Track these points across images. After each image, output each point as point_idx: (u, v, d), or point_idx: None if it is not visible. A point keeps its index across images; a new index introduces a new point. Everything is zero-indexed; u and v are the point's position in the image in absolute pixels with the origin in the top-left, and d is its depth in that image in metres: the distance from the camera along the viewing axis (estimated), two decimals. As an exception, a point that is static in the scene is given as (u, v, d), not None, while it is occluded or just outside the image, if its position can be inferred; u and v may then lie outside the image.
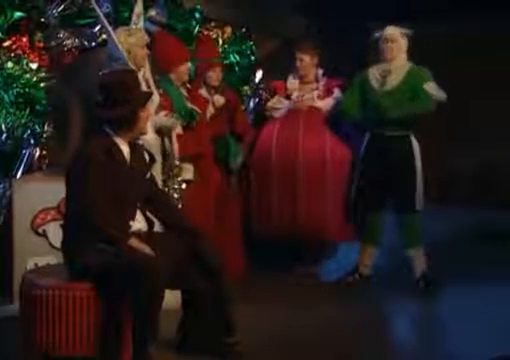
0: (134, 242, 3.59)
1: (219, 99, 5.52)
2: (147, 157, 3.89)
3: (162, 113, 4.88)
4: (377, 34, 5.34)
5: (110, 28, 4.68)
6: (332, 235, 5.61)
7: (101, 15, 4.76)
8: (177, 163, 5.02)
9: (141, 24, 4.93)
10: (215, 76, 5.51)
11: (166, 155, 4.89)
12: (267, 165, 5.64)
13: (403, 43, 5.34)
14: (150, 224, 3.84)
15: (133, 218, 3.73)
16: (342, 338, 4.34)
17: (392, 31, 5.31)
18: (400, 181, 5.28)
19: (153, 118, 4.76)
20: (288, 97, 5.82)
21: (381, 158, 5.29)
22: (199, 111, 5.27)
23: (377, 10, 7.60)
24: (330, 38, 7.50)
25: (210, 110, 5.46)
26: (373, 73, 5.38)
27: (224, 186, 5.51)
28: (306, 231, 5.52)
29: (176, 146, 4.96)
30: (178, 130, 5.05)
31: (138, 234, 3.69)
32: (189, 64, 5.33)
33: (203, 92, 5.53)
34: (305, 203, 5.53)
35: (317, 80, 5.84)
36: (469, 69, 8.50)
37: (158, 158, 4.76)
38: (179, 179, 5.02)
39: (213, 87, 5.53)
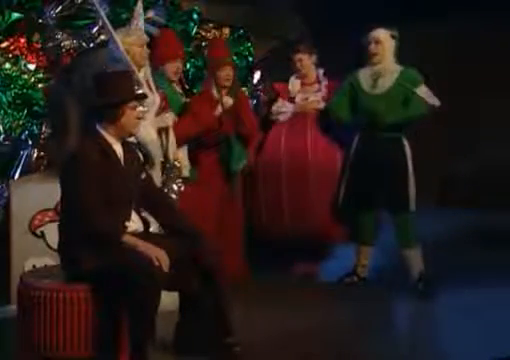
0: (130, 239, 3.58)
1: (228, 100, 5.50)
2: (141, 157, 3.88)
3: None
4: (367, 36, 5.35)
5: (112, 28, 4.67)
6: (338, 236, 5.62)
7: (104, 16, 4.75)
8: (177, 164, 5.03)
9: (141, 25, 4.93)
10: (224, 76, 5.47)
11: (166, 155, 4.90)
12: (277, 168, 5.62)
13: (390, 45, 5.33)
14: (146, 225, 3.84)
15: (128, 219, 3.72)
16: (342, 338, 4.33)
17: (377, 33, 5.31)
18: (393, 182, 5.27)
19: (154, 119, 4.78)
20: (291, 100, 5.82)
21: (372, 159, 5.28)
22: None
23: (378, 11, 7.60)
24: (329, 39, 7.49)
25: (218, 110, 5.44)
26: (364, 75, 5.38)
27: (225, 188, 5.50)
28: (315, 232, 5.52)
29: (174, 145, 4.96)
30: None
31: (134, 235, 3.67)
32: (179, 63, 5.35)
33: (213, 92, 5.51)
34: (315, 204, 5.52)
35: (319, 81, 5.84)
36: (469, 69, 8.49)
37: (158, 159, 4.78)
38: (179, 181, 5.02)
39: (223, 87, 5.50)
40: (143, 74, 4.76)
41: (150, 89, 4.77)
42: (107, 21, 4.72)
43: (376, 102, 5.25)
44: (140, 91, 4.35)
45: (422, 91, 5.24)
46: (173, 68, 5.32)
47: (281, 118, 5.78)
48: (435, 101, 5.26)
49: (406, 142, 5.31)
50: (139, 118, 3.81)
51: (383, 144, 5.26)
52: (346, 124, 5.53)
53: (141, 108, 4.13)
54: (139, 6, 4.93)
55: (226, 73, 5.45)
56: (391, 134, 5.27)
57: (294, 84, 5.85)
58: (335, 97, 5.53)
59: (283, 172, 5.61)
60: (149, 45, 4.94)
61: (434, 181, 5.51)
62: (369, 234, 5.46)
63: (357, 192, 5.35)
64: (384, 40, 5.31)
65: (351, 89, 5.41)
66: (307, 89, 5.82)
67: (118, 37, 4.65)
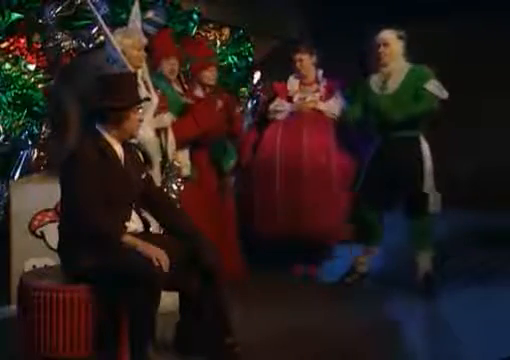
0: (131, 239, 3.58)
1: (217, 101, 5.51)
2: (142, 157, 3.88)
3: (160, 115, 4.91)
4: (374, 39, 5.35)
5: (108, 30, 4.68)
6: (334, 236, 5.61)
7: (99, 17, 4.76)
8: (177, 163, 5.04)
9: (138, 25, 4.93)
10: (210, 75, 5.49)
11: (165, 155, 4.91)
12: (272, 167, 5.62)
13: (398, 46, 5.33)
14: (146, 225, 3.84)
15: (128, 219, 3.72)
16: (342, 338, 4.33)
17: (384, 35, 5.32)
18: (409, 184, 5.24)
19: (152, 119, 4.78)
20: (290, 99, 5.82)
21: (388, 162, 5.25)
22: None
23: (378, 10, 7.61)
24: (329, 39, 7.50)
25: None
26: (374, 78, 5.39)
27: (218, 187, 5.51)
28: (310, 232, 5.51)
29: (173, 145, 4.97)
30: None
31: (134, 235, 3.67)
32: (174, 61, 5.36)
33: (198, 92, 5.52)
34: (310, 204, 5.52)
35: (318, 81, 5.84)
36: (471, 69, 8.49)
37: (157, 158, 4.78)
38: (178, 180, 5.02)
39: (208, 86, 5.51)
40: (141, 74, 4.76)
41: (148, 90, 4.78)
42: (103, 22, 4.72)
43: (385, 102, 5.24)
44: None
45: (432, 85, 5.22)
46: (169, 65, 5.32)
47: (278, 117, 5.79)
48: (444, 94, 5.25)
49: (424, 141, 5.29)
50: (140, 121, 3.81)
51: (398, 144, 5.23)
52: (358, 125, 5.51)
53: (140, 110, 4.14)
54: (136, 6, 4.94)
55: (211, 73, 5.47)
56: (405, 133, 5.25)
57: (293, 84, 5.86)
58: (348, 104, 5.55)
59: (278, 171, 5.61)
60: (147, 47, 4.95)
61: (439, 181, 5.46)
62: (376, 235, 5.46)
63: (372, 194, 5.32)
64: (392, 41, 5.30)
65: (363, 94, 5.41)
66: (306, 89, 5.82)
67: (116, 38, 4.65)
